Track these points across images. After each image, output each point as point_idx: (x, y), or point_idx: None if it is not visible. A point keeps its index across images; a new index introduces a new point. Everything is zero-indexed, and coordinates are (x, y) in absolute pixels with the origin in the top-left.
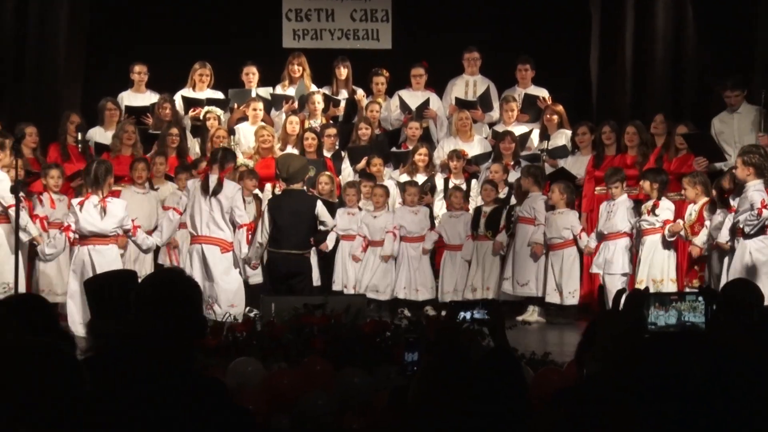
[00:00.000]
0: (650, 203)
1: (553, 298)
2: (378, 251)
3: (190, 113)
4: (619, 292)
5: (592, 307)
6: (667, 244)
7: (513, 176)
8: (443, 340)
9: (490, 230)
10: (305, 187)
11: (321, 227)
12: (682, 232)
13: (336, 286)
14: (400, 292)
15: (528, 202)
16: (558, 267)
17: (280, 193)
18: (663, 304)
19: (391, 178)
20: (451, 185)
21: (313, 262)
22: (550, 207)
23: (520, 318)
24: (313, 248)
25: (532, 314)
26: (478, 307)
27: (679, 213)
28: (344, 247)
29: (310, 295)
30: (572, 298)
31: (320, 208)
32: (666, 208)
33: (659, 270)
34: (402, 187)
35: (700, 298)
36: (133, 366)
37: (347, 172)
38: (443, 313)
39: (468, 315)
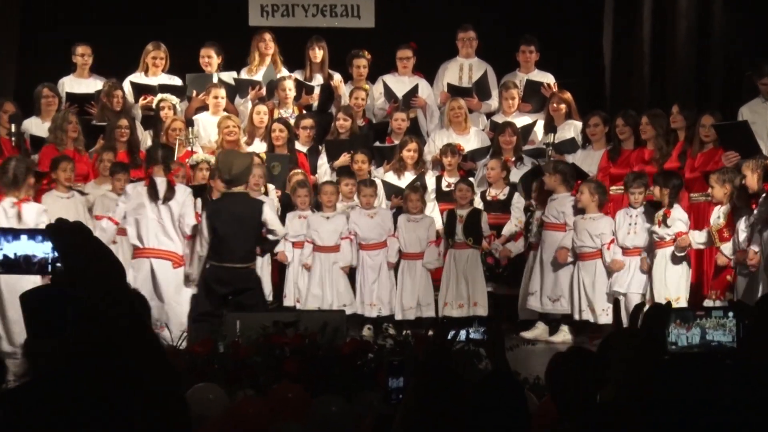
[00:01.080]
0: (661, 212)
1: (586, 315)
2: (331, 258)
3: (141, 102)
4: (637, 308)
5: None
6: (679, 259)
7: (515, 174)
8: (433, 362)
9: (470, 237)
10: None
11: (270, 236)
12: (699, 243)
13: (288, 301)
14: (356, 306)
15: (554, 205)
16: (589, 280)
17: (219, 196)
18: (686, 321)
19: (375, 177)
20: (444, 184)
21: (266, 274)
22: (579, 210)
23: (530, 335)
24: (266, 260)
25: (561, 334)
26: (475, 324)
27: (705, 216)
28: (296, 256)
29: (264, 311)
30: (606, 316)
31: (268, 214)
32: (678, 219)
33: (674, 288)
34: (390, 189)
35: (730, 314)
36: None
37: (324, 170)
38: (430, 332)
39: (462, 334)
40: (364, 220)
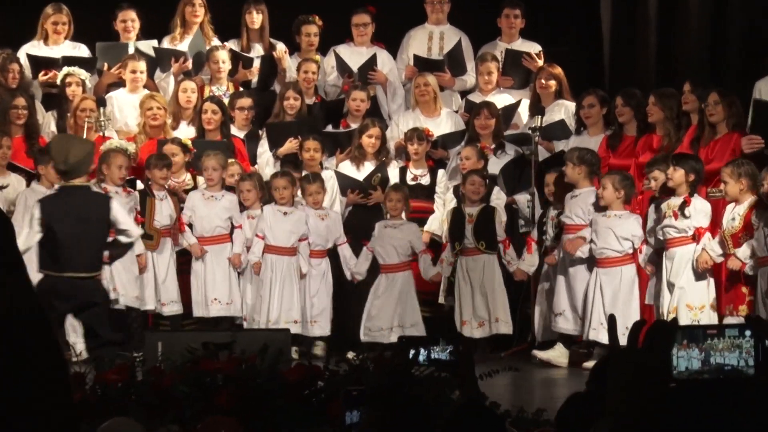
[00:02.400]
0: (677, 201)
1: (597, 335)
2: (285, 263)
3: (42, 77)
4: (637, 325)
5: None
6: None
7: (494, 164)
8: (392, 390)
9: (482, 240)
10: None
11: (121, 238)
12: (718, 254)
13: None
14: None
15: (577, 202)
16: (611, 292)
17: (54, 191)
18: (695, 340)
19: (326, 168)
20: (410, 177)
21: (171, 281)
22: (600, 208)
23: (544, 356)
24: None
25: (553, 351)
26: (442, 343)
27: (716, 215)
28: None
29: (110, 333)
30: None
31: (117, 212)
32: (700, 210)
33: (696, 294)
34: (346, 182)
35: (747, 333)
36: None
37: (265, 159)
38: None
39: (424, 354)
40: (314, 222)
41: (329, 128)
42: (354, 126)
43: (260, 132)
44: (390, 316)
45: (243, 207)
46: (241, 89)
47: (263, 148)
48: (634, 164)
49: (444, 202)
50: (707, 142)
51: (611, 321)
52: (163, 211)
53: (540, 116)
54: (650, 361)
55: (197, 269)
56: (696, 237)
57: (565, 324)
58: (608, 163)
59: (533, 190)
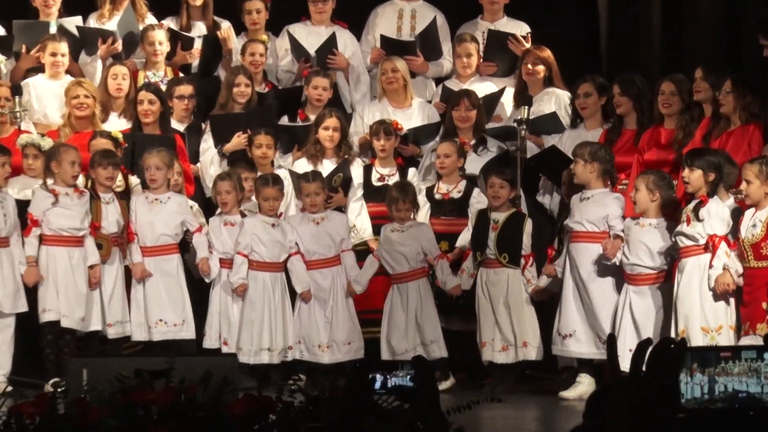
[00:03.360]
0: (691, 204)
1: (625, 364)
2: (277, 280)
3: None
4: (642, 346)
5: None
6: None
7: (472, 164)
8: (348, 423)
9: (505, 252)
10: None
11: None
12: (739, 273)
13: (209, 342)
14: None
15: (588, 205)
16: (643, 312)
17: None
18: (706, 364)
19: (281, 166)
20: (375, 177)
21: (117, 298)
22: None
23: (572, 394)
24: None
25: (579, 386)
26: (404, 368)
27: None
28: (224, 277)
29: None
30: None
31: None
32: (715, 213)
33: (712, 312)
34: (363, 189)
35: (766, 356)
36: None
37: (209, 156)
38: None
39: (389, 382)
40: (263, 231)
41: (284, 120)
42: (312, 119)
43: (203, 125)
44: (411, 333)
45: (210, 212)
46: (180, 75)
47: (207, 143)
48: (636, 162)
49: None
50: (719, 135)
51: (610, 341)
52: (110, 216)
53: (527, 107)
54: (654, 389)
55: (138, 286)
56: (709, 246)
57: (578, 347)
58: None
59: (519, 192)
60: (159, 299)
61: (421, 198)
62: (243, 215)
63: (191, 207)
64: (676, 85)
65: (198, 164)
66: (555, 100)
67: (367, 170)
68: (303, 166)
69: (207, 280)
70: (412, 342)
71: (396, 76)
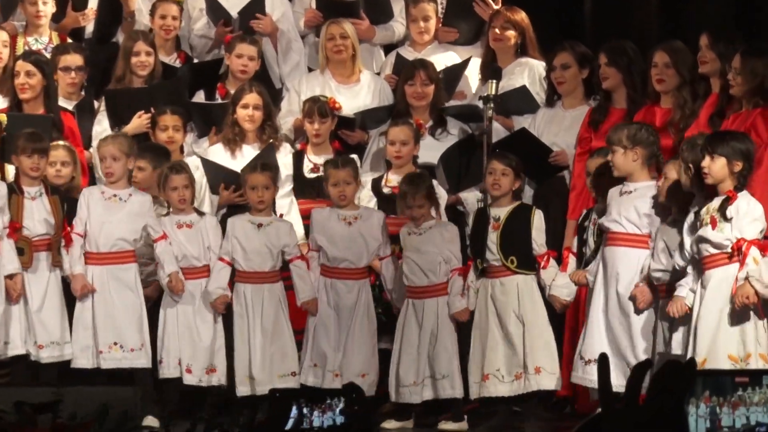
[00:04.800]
0: (716, 202)
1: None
2: (266, 291)
3: None
4: (641, 367)
5: None
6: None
7: (428, 151)
8: None
9: (512, 255)
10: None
11: None
12: (765, 289)
13: (167, 370)
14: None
15: (631, 200)
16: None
17: None
18: (720, 392)
19: (193, 153)
20: (308, 167)
21: (54, 311)
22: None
23: None
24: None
25: None
26: (333, 400)
27: None
28: (187, 289)
29: None
30: None
31: None
32: (746, 212)
33: (737, 337)
34: (217, 174)
35: None
36: None
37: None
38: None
39: (314, 417)
40: (176, 231)
41: (200, 97)
42: (232, 93)
43: (96, 103)
44: (422, 363)
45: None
46: (69, 41)
47: (101, 125)
48: None
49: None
50: (728, 116)
51: (602, 362)
52: (35, 215)
53: (495, 81)
54: (657, 422)
55: (84, 301)
56: (736, 253)
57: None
58: (590, 148)
59: (523, 182)
60: (113, 318)
61: (366, 192)
62: (200, 214)
63: None
64: (671, 56)
65: (91, 149)
66: (529, 73)
67: (298, 159)
68: (219, 152)
69: (177, 300)
70: (421, 374)
71: (345, 44)
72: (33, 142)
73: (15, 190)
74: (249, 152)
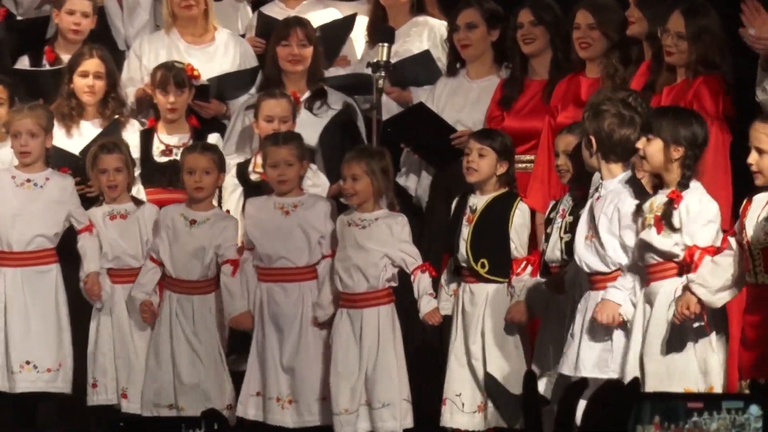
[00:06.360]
0: (659, 199)
1: None
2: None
3: None
4: (573, 390)
5: None
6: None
7: (306, 128)
8: None
9: (483, 257)
10: None
11: None
12: (711, 295)
13: (102, 396)
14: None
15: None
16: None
17: None
18: (672, 418)
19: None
20: (159, 148)
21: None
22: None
23: None
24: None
25: None
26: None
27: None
28: (117, 296)
29: None
30: None
31: None
32: (700, 214)
33: (694, 368)
34: (59, 158)
35: (752, 409)
36: None
37: None
38: None
39: None
40: (107, 224)
41: (24, 63)
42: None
43: None
44: (358, 387)
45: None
46: None
47: None
48: (548, 127)
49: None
50: (660, 89)
51: (528, 380)
52: None
53: (387, 45)
54: None
55: None
56: (685, 266)
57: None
58: (502, 127)
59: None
60: (26, 332)
61: (230, 179)
62: (139, 203)
63: None
64: (595, 15)
65: None
66: (428, 35)
67: (147, 138)
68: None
69: (97, 306)
70: (357, 400)
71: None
72: None
73: None
74: (89, 130)
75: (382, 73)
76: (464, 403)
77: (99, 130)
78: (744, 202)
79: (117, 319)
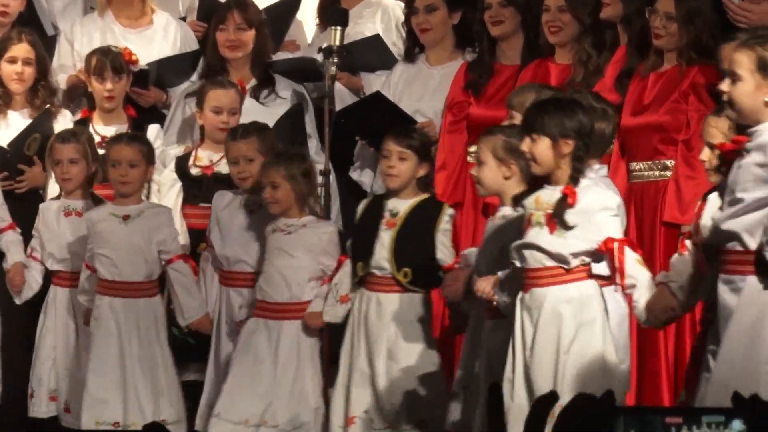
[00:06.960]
0: (547, 195)
1: None
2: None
3: None
4: (543, 403)
5: None
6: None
7: (251, 119)
8: None
9: (406, 266)
10: None
11: None
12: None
13: (40, 408)
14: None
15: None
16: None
17: None
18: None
19: None
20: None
21: None
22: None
23: None
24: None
25: None
26: None
27: (649, 207)
28: (59, 299)
29: None
30: None
31: None
32: (600, 203)
33: (598, 381)
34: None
35: (735, 425)
36: None
37: None
38: None
39: None
40: (61, 221)
41: None
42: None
43: None
44: (258, 398)
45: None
46: None
47: None
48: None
49: (159, 190)
50: (646, 74)
51: (493, 393)
52: None
53: (339, 28)
54: None
55: None
56: (605, 260)
57: None
58: (467, 115)
59: (329, 165)
60: None
61: (168, 173)
62: (97, 200)
63: None
64: None
65: None
66: (382, 17)
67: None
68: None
69: (18, 301)
70: (257, 414)
71: None
72: None
73: None
74: (16, 121)
75: (335, 59)
76: (374, 419)
77: (28, 121)
78: (699, 203)
79: (60, 326)
